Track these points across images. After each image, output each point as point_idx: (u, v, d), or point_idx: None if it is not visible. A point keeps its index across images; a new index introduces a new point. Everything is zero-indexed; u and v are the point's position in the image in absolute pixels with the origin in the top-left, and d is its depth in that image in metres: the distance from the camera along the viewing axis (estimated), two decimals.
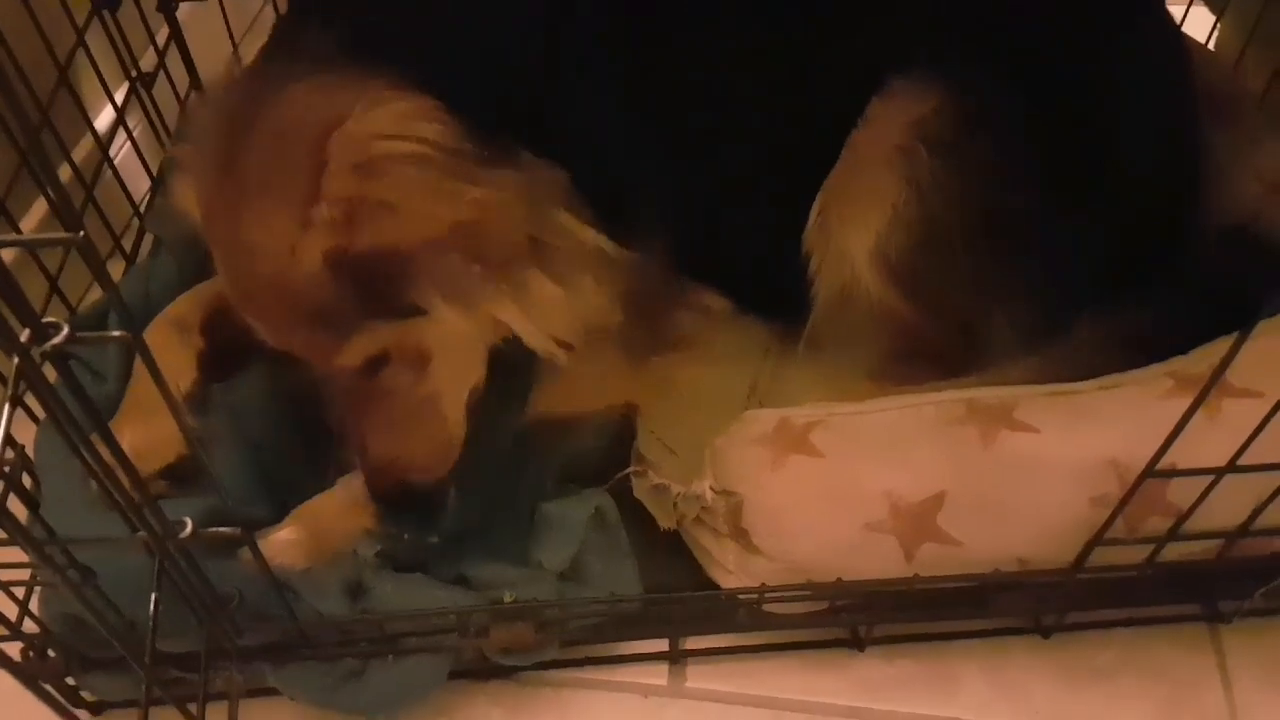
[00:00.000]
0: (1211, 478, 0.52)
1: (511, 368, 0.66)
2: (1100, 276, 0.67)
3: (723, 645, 0.67)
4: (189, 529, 0.47)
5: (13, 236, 0.63)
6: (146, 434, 0.65)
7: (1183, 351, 0.61)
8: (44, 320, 0.36)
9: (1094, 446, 0.56)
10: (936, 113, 0.65)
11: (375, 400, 0.60)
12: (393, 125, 0.53)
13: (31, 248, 0.69)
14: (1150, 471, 0.51)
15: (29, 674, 0.58)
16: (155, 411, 0.64)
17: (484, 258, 0.55)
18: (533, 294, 0.58)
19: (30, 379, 0.35)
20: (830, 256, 0.70)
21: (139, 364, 0.68)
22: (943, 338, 0.71)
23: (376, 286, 0.54)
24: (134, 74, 0.81)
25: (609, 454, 0.72)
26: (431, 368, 0.60)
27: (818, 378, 0.73)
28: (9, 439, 0.34)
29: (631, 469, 0.70)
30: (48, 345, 0.35)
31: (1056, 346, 0.66)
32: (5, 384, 0.35)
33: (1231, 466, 0.50)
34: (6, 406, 0.33)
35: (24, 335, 0.35)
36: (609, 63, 0.63)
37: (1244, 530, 0.56)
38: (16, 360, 0.33)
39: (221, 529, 0.48)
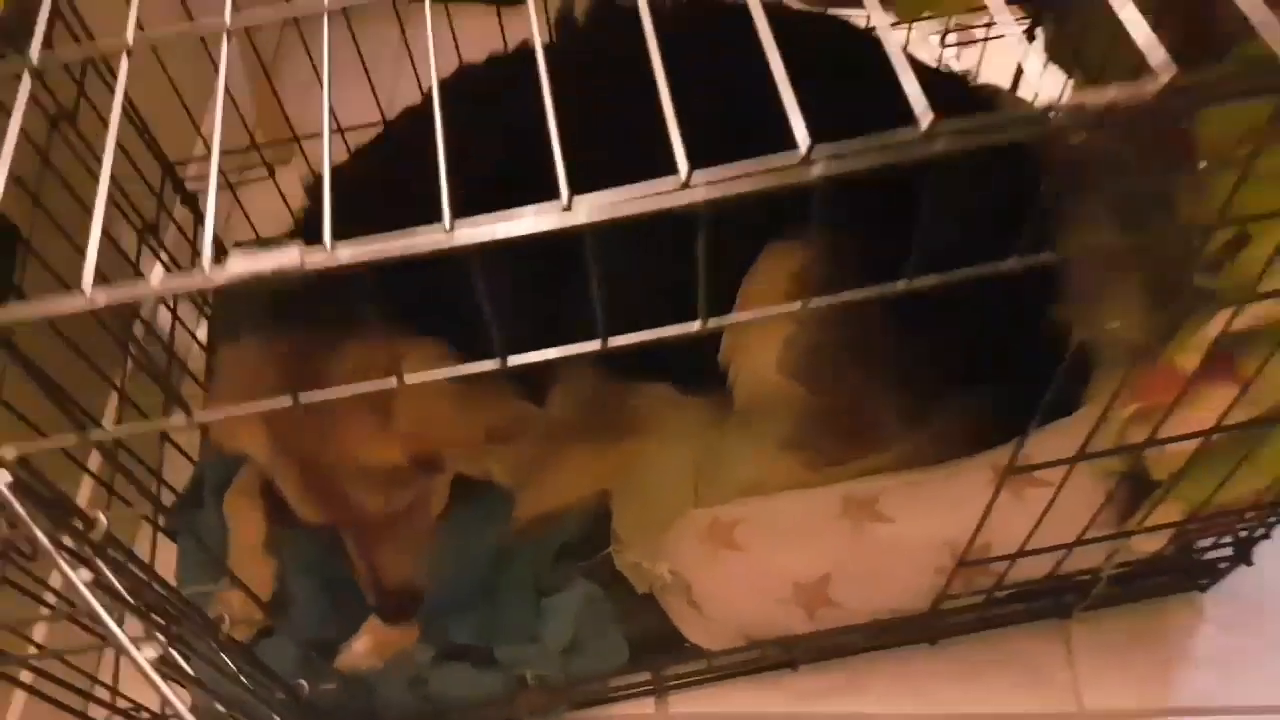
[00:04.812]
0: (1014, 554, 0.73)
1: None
2: (957, 375, 0.85)
3: (695, 669, 0.89)
4: (307, 689, 0.70)
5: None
6: (244, 577, 0.88)
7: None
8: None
9: (933, 531, 0.76)
10: (812, 264, 0.83)
11: (391, 537, 0.82)
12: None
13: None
14: (963, 561, 0.71)
15: None
16: (244, 564, 0.88)
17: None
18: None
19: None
20: (743, 370, 0.89)
21: (231, 531, 0.90)
22: (841, 418, 0.90)
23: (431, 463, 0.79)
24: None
25: (595, 532, 0.93)
26: (430, 506, 0.84)
27: (748, 449, 0.93)
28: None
29: (611, 547, 0.92)
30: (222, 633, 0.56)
31: (921, 432, 0.85)
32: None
33: (1021, 553, 0.71)
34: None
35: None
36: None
37: (1047, 578, 0.76)
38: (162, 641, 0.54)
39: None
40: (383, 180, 0.83)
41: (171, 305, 1.06)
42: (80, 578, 0.44)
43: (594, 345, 0.45)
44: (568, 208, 0.38)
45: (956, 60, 1.11)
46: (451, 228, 0.38)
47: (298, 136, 1.05)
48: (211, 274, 0.39)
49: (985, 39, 1.05)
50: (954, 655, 0.88)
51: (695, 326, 0.46)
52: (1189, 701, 0.85)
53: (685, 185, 0.38)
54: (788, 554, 0.80)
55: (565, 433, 0.93)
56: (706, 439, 0.96)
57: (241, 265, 0.39)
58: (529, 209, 0.38)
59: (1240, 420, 0.63)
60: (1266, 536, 0.80)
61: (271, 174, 1.08)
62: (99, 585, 0.46)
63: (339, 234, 0.39)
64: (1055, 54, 0.95)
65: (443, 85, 0.47)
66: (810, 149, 0.37)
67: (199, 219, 1.08)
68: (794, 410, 0.90)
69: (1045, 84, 1.02)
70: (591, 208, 0.38)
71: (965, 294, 0.85)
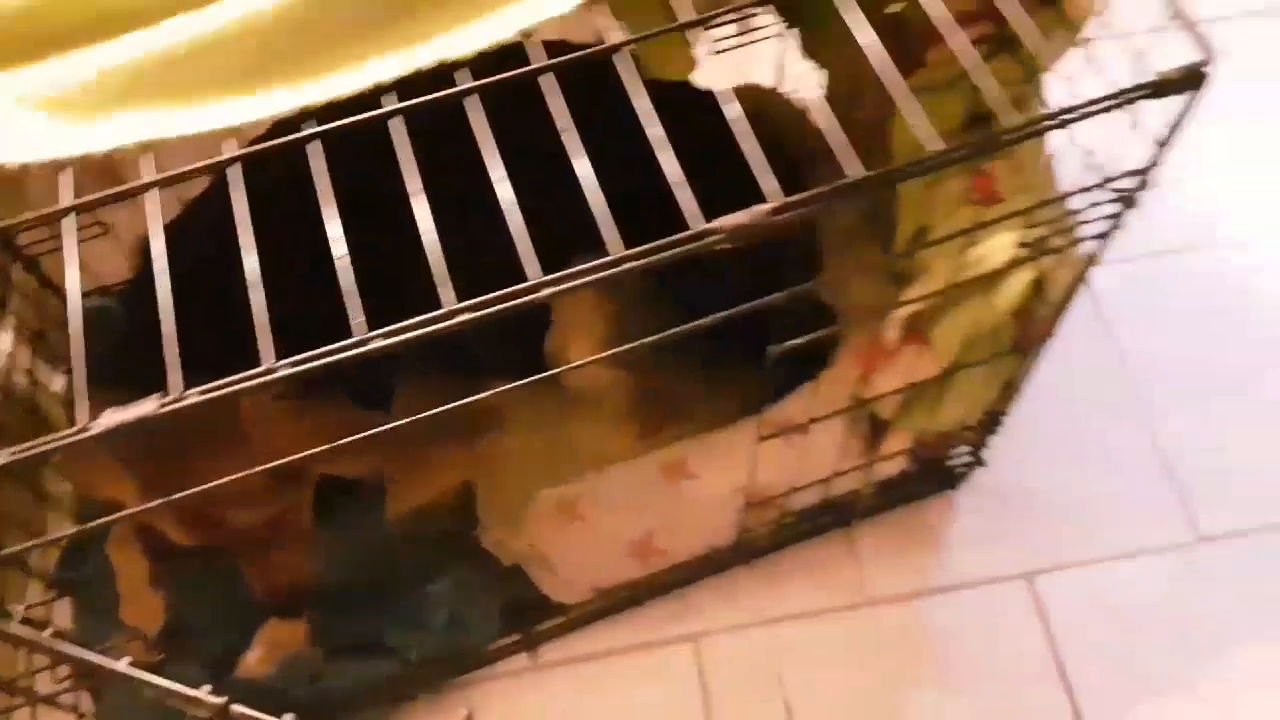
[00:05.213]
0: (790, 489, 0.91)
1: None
2: (743, 351, 1.01)
3: (559, 622, 1.06)
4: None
5: None
6: (135, 614, 0.98)
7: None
8: None
9: (728, 481, 0.94)
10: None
11: (269, 543, 0.96)
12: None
13: None
14: (750, 502, 0.89)
15: None
16: (135, 603, 0.99)
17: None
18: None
19: None
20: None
21: (118, 574, 0.99)
22: (658, 395, 1.07)
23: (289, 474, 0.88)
24: None
25: (464, 518, 1.07)
26: (300, 509, 0.98)
27: (586, 431, 1.09)
28: None
29: (479, 528, 1.06)
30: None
31: (720, 400, 1.02)
32: None
33: (793, 490, 0.89)
34: None
35: None
36: None
37: (822, 503, 0.96)
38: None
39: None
40: (211, 233, 0.92)
41: (29, 367, 1.12)
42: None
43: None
44: (363, 344, 0.51)
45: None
46: (276, 369, 0.51)
47: (125, 192, 1.11)
48: (90, 427, 0.50)
49: (747, 44, 1.18)
50: (762, 571, 1.07)
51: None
52: (952, 580, 1.07)
53: (453, 314, 0.52)
54: (619, 518, 0.96)
55: (419, 434, 1.06)
56: (551, 426, 1.11)
57: (113, 418, 0.50)
58: (334, 345, 0.51)
59: (931, 374, 0.82)
60: (985, 446, 1.02)
61: (106, 231, 1.14)
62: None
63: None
64: (809, 51, 1.11)
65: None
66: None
67: (43, 283, 1.13)
68: (620, 393, 1.06)
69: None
70: (382, 340, 0.51)
71: (747, 288, 1.00)
